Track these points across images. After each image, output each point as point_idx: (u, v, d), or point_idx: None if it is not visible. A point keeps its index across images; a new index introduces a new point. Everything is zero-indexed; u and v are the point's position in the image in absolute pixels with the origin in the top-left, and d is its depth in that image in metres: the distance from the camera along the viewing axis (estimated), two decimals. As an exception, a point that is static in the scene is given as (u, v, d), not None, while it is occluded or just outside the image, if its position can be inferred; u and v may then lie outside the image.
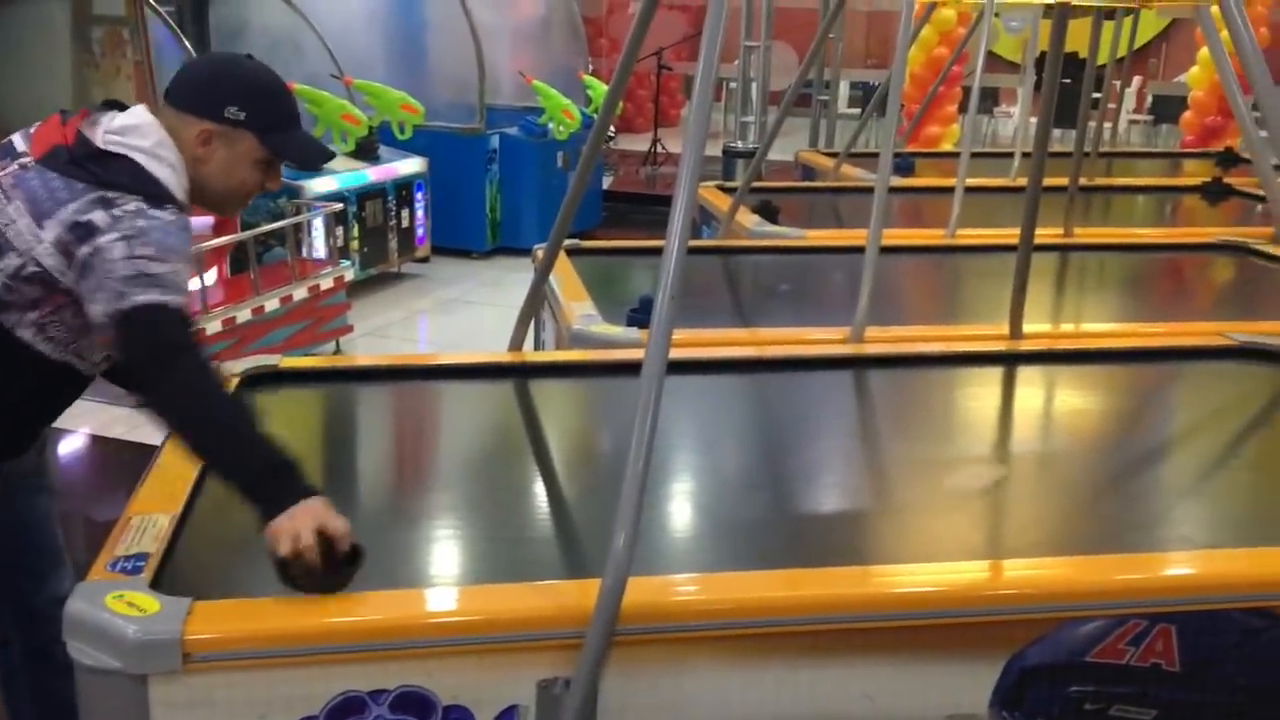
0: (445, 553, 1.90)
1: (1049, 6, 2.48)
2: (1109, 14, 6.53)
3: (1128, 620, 1.66)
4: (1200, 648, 1.69)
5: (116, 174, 1.83)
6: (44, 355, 1.91)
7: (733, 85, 11.53)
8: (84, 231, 1.78)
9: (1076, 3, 1.99)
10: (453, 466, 2.33)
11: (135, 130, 1.88)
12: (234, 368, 2.44)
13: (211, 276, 5.31)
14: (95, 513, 4.18)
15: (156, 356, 1.71)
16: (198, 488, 1.91)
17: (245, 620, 1.54)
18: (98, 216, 1.79)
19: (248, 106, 1.91)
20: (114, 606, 1.49)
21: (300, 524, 1.58)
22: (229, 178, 1.94)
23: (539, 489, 2.21)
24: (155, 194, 1.82)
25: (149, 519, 1.76)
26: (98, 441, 4.54)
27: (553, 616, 1.57)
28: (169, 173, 1.87)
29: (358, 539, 1.61)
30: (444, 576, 1.81)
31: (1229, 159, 6.87)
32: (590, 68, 9.37)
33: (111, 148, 1.85)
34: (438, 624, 1.57)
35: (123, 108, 1.95)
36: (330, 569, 1.57)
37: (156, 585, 1.57)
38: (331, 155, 2.07)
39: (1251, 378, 2.76)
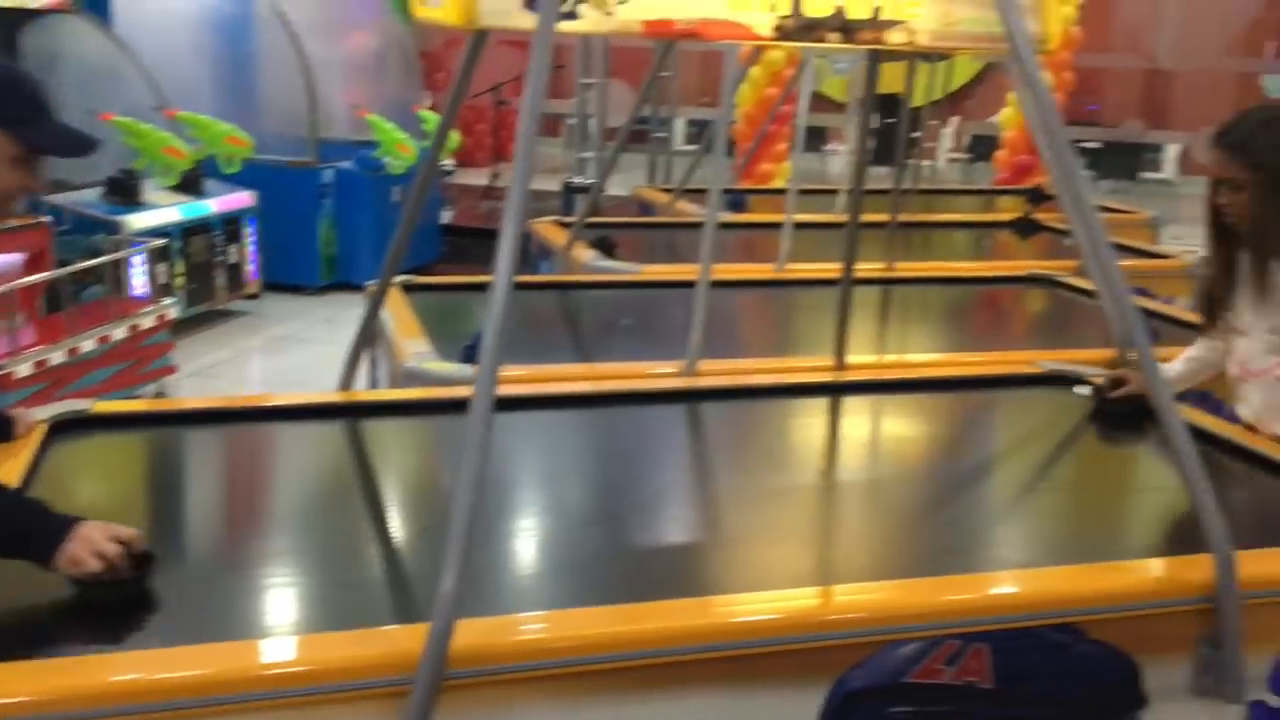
0: (271, 602, 1.84)
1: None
2: (925, 56, 6.86)
3: (944, 641, 1.73)
4: (1012, 665, 1.77)
5: None
6: None
7: (571, 122, 11.64)
8: None
9: (886, 49, 2.08)
10: (279, 512, 2.26)
11: None
12: (40, 414, 2.31)
13: (23, 317, 5.03)
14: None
15: None
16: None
17: (60, 679, 1.45)
18: None
19: None
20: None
21: (95, 540, 1.63)
22: None
23: (370, 533, 2.16)
24: None
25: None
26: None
27: (379, 664, 1.54)
28: None
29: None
30: (268, 627, 1.75)
31: (1038, 196, 7.27)
32: (427, 102, 9.31)
33: None
34: (258, 677, 1.52)
35: None
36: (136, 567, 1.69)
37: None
38: (94, 144, 1.90)
39: (1058, 403, 2.92)
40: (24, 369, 4.65)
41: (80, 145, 1.90)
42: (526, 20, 1.76)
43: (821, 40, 1.96)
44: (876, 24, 1.98)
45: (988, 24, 2.04)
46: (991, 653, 1.76)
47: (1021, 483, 2.49)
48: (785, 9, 1.93)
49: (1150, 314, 3.62)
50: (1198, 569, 1.85)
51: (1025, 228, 5.90)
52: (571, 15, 1.82)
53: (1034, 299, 4.40)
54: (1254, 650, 1.87)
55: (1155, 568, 1.91)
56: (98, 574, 1.64)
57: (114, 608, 1.73)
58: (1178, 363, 2.79)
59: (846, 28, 1.96)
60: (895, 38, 2.00)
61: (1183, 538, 1.94)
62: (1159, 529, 2.26)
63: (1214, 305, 2.62)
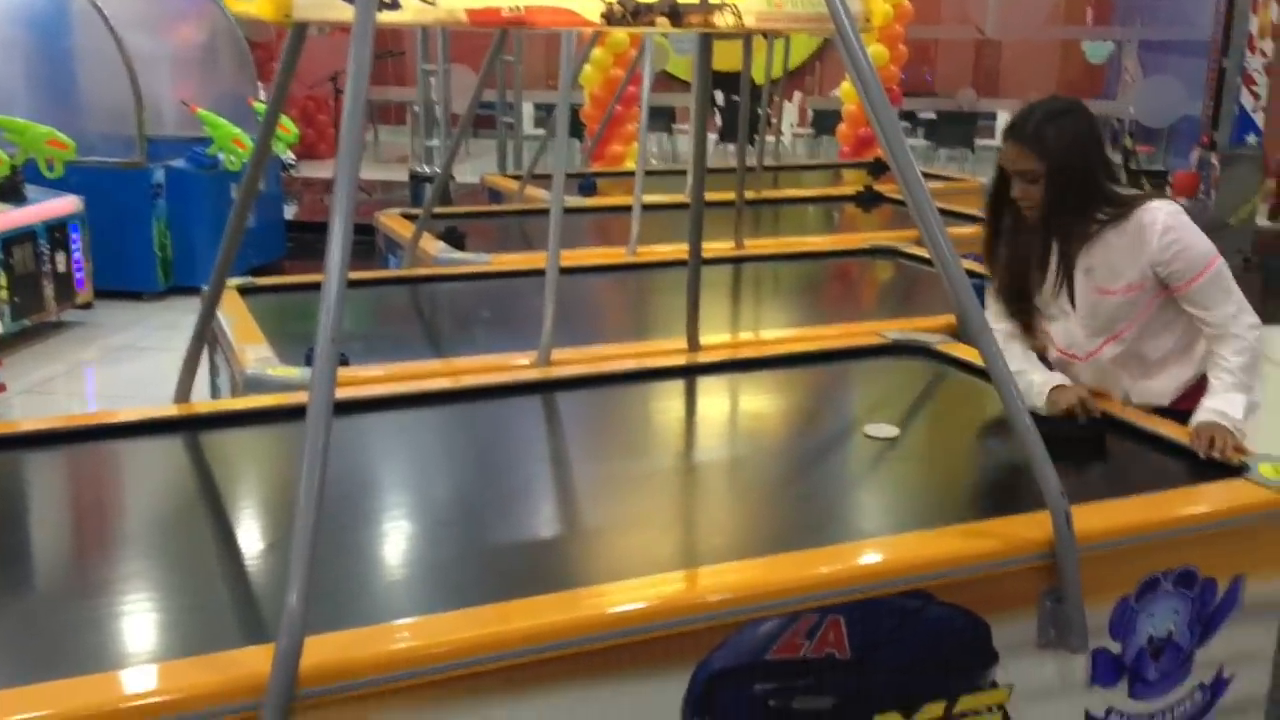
0: (116, 632, 1.74)
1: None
2: (763, 35, 6.94)
3: (801, 615, 1.76)
4: (867, 633, 1.81)
5: None
6: None
7: (416, 109, 11.42)
8: None
9: (715, 32, 2.08)
10: (121, 536, 2.15)
11: None
12: None
13: None
14: None
15: None
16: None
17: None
18: None
19: None
20: None
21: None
22: None
23: (217, 551, 2.07)
24: None
25: None
26: None
27: (230, 688, 1.47)
28: None
29: None
30: (114, 658, 1.65)
31: (879, 167, 7.46)
32: (262, 94, 9.00)
33: None
34: (104, 713, 1.44)
35: None
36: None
37: None
38: None
39: (905, 371, 3.00)
40: None
41: None
42: (345, 12, 1.70)
43: (651, 25, 1.95)
44: (704, 7, 1.98)
45: (812, 4, 2.06)
46: (847, 623, 1.79)
47: (872, 453, 2.54)
48: (612, -6, 1.91)
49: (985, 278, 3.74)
50: (1038, 526, 1.92)
51: (868, 200, 6.04)
52: (393, 5, 1.77)
53: (878, 270, 4.52)
54: (1094, 601, 1.95)
55: (998, 528, 1.98)
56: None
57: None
58: (1018, 352, 2.66)
59: (674, 12, 1.95)
60: (723, 21, 2.00)
61: (1023, 497, 2.01)
62: (1001, 490, 2.34)
63: (1019, 296, 2.64)
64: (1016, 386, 1.97)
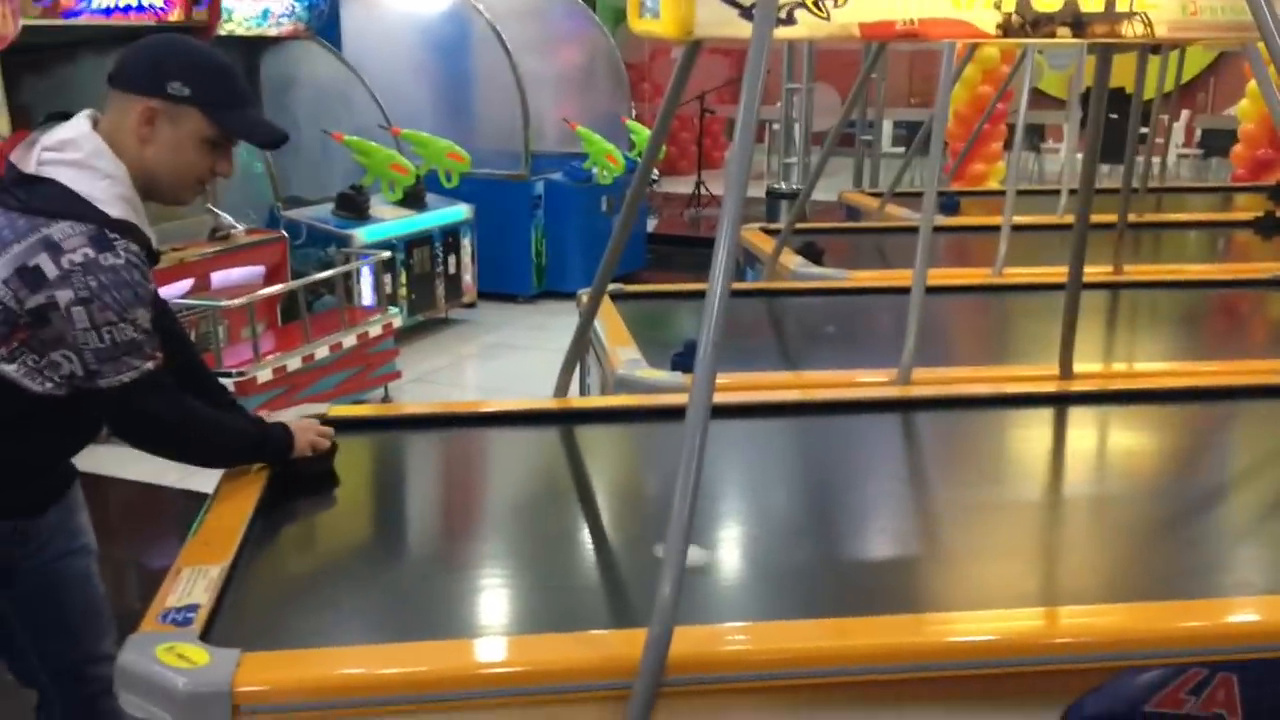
0: (491, 602, 1.90)
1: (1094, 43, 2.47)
2: (1154, 49, 6.48)
3: (1188, 669, 1.62)
4: (1264, 696, 1.64)
5: (44, 199, 1.82)
6: (23, 387, 1.87)
7: (776, 127, 11.60)
8: (33, 279, 1.79)
9: (1121, 42, 1.97)
10: (498, 514, 2.33)
11: (71, 144, 1.86)
12: (282, 416, 2.46)
13: (263, 325, 5.39)
14: (148, 561, 4.23)
15: (133, 427, 1.98)
16: (248, 538, 1.93)
17: (295, 671, 1.54)
18: (46, 265, 1.78)
19: (192, 82, 1.87)
20: (164, 658, 1.51)
21: (308, 436, 2.17)
22: (176, 159, 1.90)
23: (585, 537, 2.20)
24: (92, 219, 1.80)
25: (200, 570, 1.78)
26: (149, 490, 4.60)
27: (599, 667, 1.56)
28: (106, 185, 1.84)
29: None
30: (490, 627, 1.80)
31: (1282, 192, 6.77)
32: (634, 113, 9.46)
33: (44, 169, 1.84)
34: (483, 675, 1.57)
35: (66, 117, 1.92)
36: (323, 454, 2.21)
37: (206, 637, 1.59)
38: (284, 136, 2.02)
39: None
40: (264, 374, 4.98)
41: (271, 135, 2.02)
42: (743, 29, 1.76)
43: (1051, 35, 1.87)
44: (1111, 15, 1.88)
45: (1232, 11, 1.90)
46: (1240, 683, 1.63)
47: (1265, 502, 2.31)
48: (1011, 4, 1.86)
49: None
50: None
51: (1269, 226, 5.48)
52: (789, 20, 1.81)
53: (1278, 304, 4.09)
54: None
55: None
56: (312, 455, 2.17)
57: (347, 602, 1.83)
58: None
59: (1078, 21, 1.87)
60: (1132, 30, 1.89)
61: None
62: None
63: None
64: None
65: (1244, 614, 1.73)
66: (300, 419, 2.28)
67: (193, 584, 1.73)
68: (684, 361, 2.86)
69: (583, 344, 2.93)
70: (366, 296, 6.28)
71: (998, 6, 1.86)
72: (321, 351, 5.33)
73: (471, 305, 7.67)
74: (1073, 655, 1.64)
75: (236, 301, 5.03)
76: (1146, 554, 2.08)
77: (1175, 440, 2.73)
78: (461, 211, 7.38)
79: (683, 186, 12.15)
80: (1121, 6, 1.88)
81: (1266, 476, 2.47)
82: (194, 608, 1.65)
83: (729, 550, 2.09)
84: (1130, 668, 1.61)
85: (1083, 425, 2.83)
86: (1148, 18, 1.89)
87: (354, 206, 6.67)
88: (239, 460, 2.17)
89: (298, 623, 1.74)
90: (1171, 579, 1.92)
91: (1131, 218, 4.84)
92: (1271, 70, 1.96)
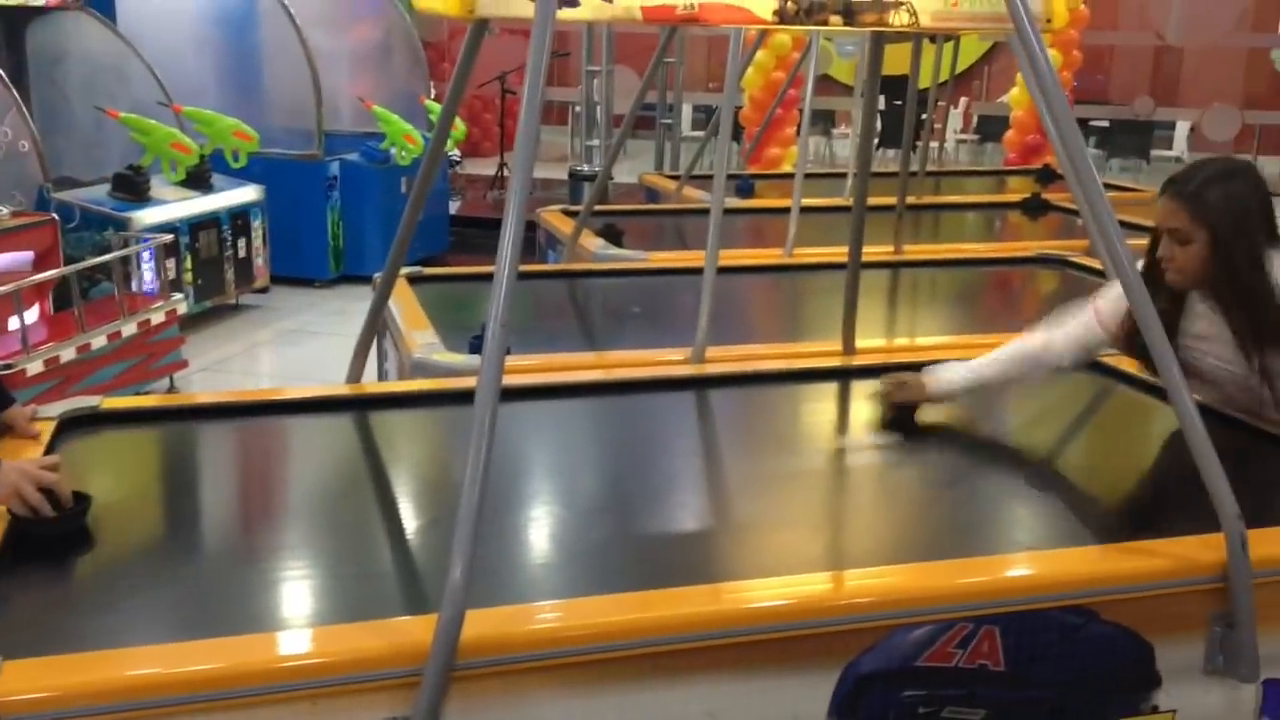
0: (284, 594, 1.84)
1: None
2: (930, 38, 6.82)
3: (955, 624, 1.73)
4: (1023, 647, 1.76)
5: None
6: None
7: (578, 109, 11.61)
8: None
9: (890, 30, 2.07)
10: (290, 505, 2.27)
11: None
12: (49, 411, 2.32)
13: (33, 314, 5.05)
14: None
15: None
16: (8, 542, 1.81)
17: (62, 676, 1.46)
18: None
19: None
20: (-86, 672, 1.40)
21: (21, 487, 1.80)
22: None
23: (381, 524, 2.16)
24: None
25: (-47, 577, 1.66)
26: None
27: (389, 655, 1.54)
28: None
29: (70, 486, 1.87)
30: (281, 619, 1.75)
31: (1048, 175, 7.24)
32: (433, 93, 9.30)
33: None
34: (269, 669, 1.52)
35: None
36: (64, 512, 1.86)
37: (-37, 646, 1.48)
38: None
39: (1067, 384, 2.90)
40: (35, 366, 4.67)
41: None
42: (526, 9, 1.75)
43: (824, 24, 1.94)
44: (879, 5, 1.96)
45: (991, 3, 2.02)
46: (1003, 634, 1.75)
47: (1030, 464, 2.47)
48: (787, -8, 1.92)
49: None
50: (1210, 548, 1.84)
51: (1035, 208, 5.87)
52: (572, 2, 1.82)
53: (1044, 280, 4.38)
54: (1268, 629, 1.86)
55: (1167, 547, 1.90)
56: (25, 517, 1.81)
57: (127, 603, 1.74)
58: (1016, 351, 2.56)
59: (849, 10, 1.94)
60: (898, 19, 1.99)
61: (1195, 517, 1.93)
62: (1171, 508, 2.24)
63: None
64: (1190, 403, 1.89)
65: (1003, 570, 1.85)
66: (24, 462, 1.91)
67: (-53, 592, 1.61)
68: (481, 344, 2.84)
69: (375, 327, 2.87)
70: (149, 282, 5.97)
71: (775, -7, 1.91)
72: (99, 341, 5.03)
73: (264, 290, 7.40)
74: (851, 616, 1.71)
75: (1, 289, 4.69)
76: (920, 517, 2.20)
77: (947, 410, 2.89)
78: (251, 192, 7.10)
79: (486, 168, 12.03)
80: (889, -3, 1.97)
81: (1028, 440, 2.65)
82: (-53, 618, 1.54)
83: (531, 530, 2.09)
84: (902, 625, 1.71)
85: (864, 397, 2.96)
86: (913, 7, 1.99)
87: (132, 187, 6.33)
88: None
89: (70, 627, 1.65)
90: (943, 540, 2.04)
91: (911, 200, 5.08)
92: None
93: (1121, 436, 2.70)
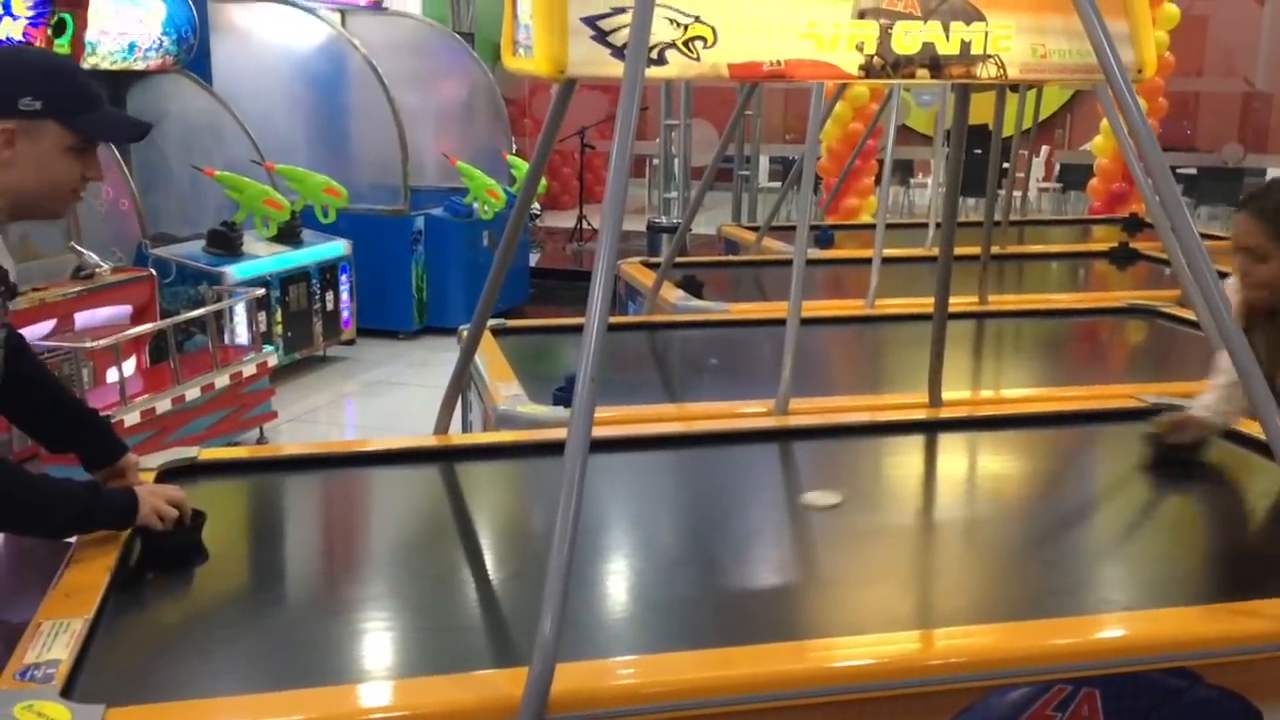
0: (371, 646, 1.86)
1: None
2: (1013, 87, 6.77)
3: (1053, 686, 1.68)
4: (1124, 710, 1.71)
5: None
6: None
7: (655, 162, 11.73)
8: None
9: (976, 83, 2.06)
10: (377, 556, 2.29)
11: None
12: (149, 462, 2.38)
13: (130, 366, 5.21)
14: (10, 615, 4.03)
15: None
16: (113, 588, 1.86)
17: (159, 725, 1.49)
18: None
19: (42, 94, 1.80)
20: (23, 717, 1.44)
21: (154, 504, 1.98)
22: (42, 176, 1.84)
23: (466, 576, 2.18)
24: None
25: (60, 623, 1.70)
26: (10, 542, 4.39)
27: (478, 708, 1.54)
28: None
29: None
30: (369, 671, 1.77)
31: (1135, 224, 7.12)
32: (514, 148, 9.47)
33: None
34: (363, 720, 1.54)
35: None
36: (189, 526, 2.04)
37: (68, 693, 1.52)
38: (147, 128, 1.97)
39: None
40: (132, 417, 4.81)
41: (133, 130, 2.00)
42: (615, 68, 1.78)
43: (911, 76, 1.95)
44: (966, 58, 1.96)
45: (1080, 54, 2.01)
46: (1103, 698, 1.70)
47: (1126, 522, 2.41)
48: (872, 47, 1.92)
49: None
50: (1320, 609, 1.78)
51: (1123, 257, 5.77)
52: (660, 61, 1.84)
53: (1134, 330, 4.29)
54: (1385, 696, 1.78)
55: (1273, 609, 1.83)
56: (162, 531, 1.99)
57: (220, 651, 1.77)
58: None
59: (935, 63, 1.95)
60: (985, 71, 1.98)
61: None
62: (1273, 567, 2.16)
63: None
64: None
65: (1103, 631, 1.80)
66: (151, 484, 2.12)
67: (53, 638, 1.66)
68: (565, 396, 2.86)
69: (462, 380, 2.92)
70: (241, 335, 6.13)
71: (860, 49, 1.92)
72: (192, 392, 5.17)
73: (351, 342, 7.55)
74: (943, 677, 1.68)
75: (101, 342, 4.85)
76: (1013, 575, 2.15)
77: (1038, 463, 2.84)
78: (339, 247, 7.28)
79: (565, 221, 12.19)
80: (976, 50, 1.97)
81: (1122, 497, 2.58)
82: (54, 663, 1.58)
83: (614, 584, 2.09)
84: (998, 687, 1.66)
85: (951, 451, 2.92)
86: (1001, 60, 1.99)
87: (226, 243, 6.52)
88: (63, 529, 1.95)
89: (167, 674, 1.68)
90: (1037, 599, 1.99)
91: (995, 250, 5.03)
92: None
93: (1224, 492, 2.62)
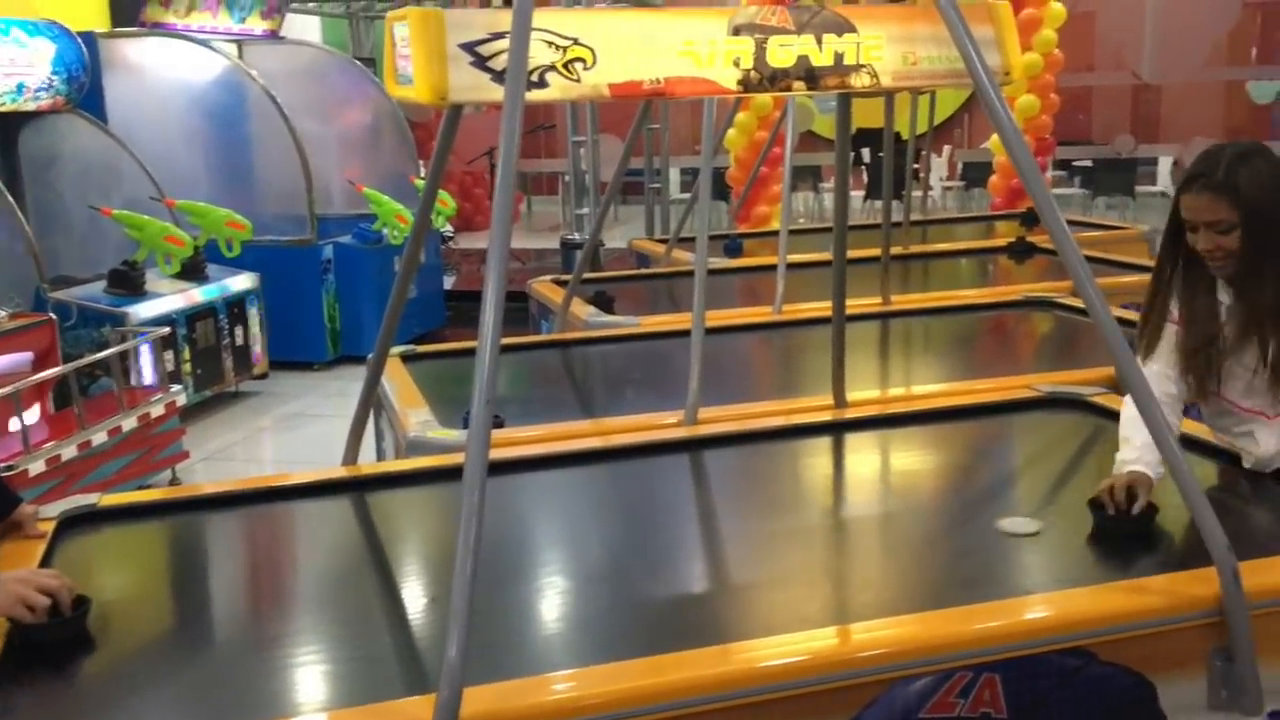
0: (287, 681, 1.84)
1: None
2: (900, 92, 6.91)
3: (955, 673, 1.73)
4: (1024, 692, 1.76)
5: None
6: None
7: (567, 179, 11.76)
8: None
9: (853, 92, 2.12)
10: (289, 592, 2.27)
11: None
12: (49, 511, 2.34)
13: (33, 414, 5.08)
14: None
15: None
16: (11, 646, 1.82)
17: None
18: None
19: None
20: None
21: (20, 592, 1.80)
22: None
23: (382, 605, 2.17)
24: None
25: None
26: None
27: (391, 738, 1.54)
28: None
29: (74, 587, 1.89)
30: (287, 707, 1.75)
31: (1032, 218, 7.30)
32: (422, 171, 9.42)
33: None
34: (272, 759, 1.53)
35: None
36: (65, 617, 1.86)
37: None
38: None
39: (1059, 426, 2.92)
40: (37, 466, 4.68)
41: None
42: (496, 92, 1.80)
43: (788, 89, 2.00)
44: (840, 69, 2.02)
45: (949, 60, 2.07)
46: (1003, 681, 1.75)
47: (1028, 508, 2.48)
48: (749, 62, 1.97)
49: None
50: (1205, 582, 1.85)
51: (1021, 251, 5.92)
52: (541, 84, 1.87)
53: (1031, 322, 4.42)
54: (1269, 660, 1.86)
55: (1162, 585, 1.91)
56: (27, 621, 1.82)
57: (132, 698, 1.74)
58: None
59: (811, 75, 2.00)
60: (859, 81, 2.04)
61: (1188, 553, 1.94)
62: (1163, 546, 2.25)
63: (1199, 354, 2.37)
64: (1177, 440, 1.91)
65: (999, 617, 1.85)
66: (21, 570, 1.92)
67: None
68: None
69: (368, 408, 2.90)
70: (147, 376, 6.01)
71: (737, 64, 1.97)
72: (99, 437, 5.05)
73: (264, 376, 7.44)
74: (853, 670, 1.72)
75: (0, 391, 4.72)
76: (919, 569, 2.20)
77: (942, 457, 2.91)
78: (246, 280, 7.18)
79: (480, 242, 12.13)
80: (849, 60, 2.02)
81: (1024, 485, 2.66)
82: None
83: (534, 603, 2.10)
84: (903, 678, 1.71)
85: (858, 450, 2.98)
86: (874, 69, 2.04)
87: (128, 283, 6.39)
88: None
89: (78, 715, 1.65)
90: (943, 590, 2.05)
91: (898, 250, 5.14)
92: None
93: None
